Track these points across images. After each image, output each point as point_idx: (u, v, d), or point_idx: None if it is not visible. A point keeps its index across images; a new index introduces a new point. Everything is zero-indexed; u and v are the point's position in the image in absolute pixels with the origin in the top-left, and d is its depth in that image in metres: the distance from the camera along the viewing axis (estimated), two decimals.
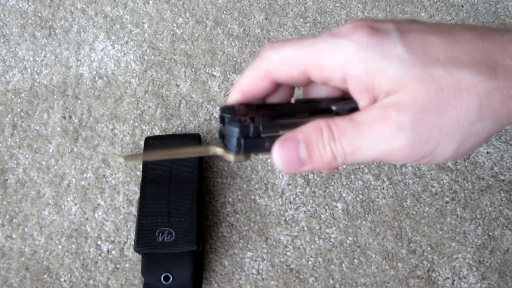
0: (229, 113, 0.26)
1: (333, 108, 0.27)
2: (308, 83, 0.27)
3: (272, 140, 0.26)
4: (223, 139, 0.27)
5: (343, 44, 0.23)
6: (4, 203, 0.53)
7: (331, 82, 0.25)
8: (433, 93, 0.22)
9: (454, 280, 0.49)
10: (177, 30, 0.65)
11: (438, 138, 0.22)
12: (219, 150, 0.27)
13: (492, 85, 0.22)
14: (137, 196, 0.53)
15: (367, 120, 0.23)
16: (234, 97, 0.28)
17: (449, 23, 0.24)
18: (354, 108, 0.26)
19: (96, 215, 0.52)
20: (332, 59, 0.24)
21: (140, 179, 0.52)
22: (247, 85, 0.27)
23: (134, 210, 0.53)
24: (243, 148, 0.26)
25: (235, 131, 0.26)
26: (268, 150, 0.26)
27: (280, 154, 0.25)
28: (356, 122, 0.23)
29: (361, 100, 0.24)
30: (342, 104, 0.27)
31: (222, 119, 0.27)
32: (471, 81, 0.22)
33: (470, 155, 0.56)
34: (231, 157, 0.27)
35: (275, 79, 0.26)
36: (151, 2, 0.67)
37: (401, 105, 0.22)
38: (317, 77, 0.25)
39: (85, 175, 0.54)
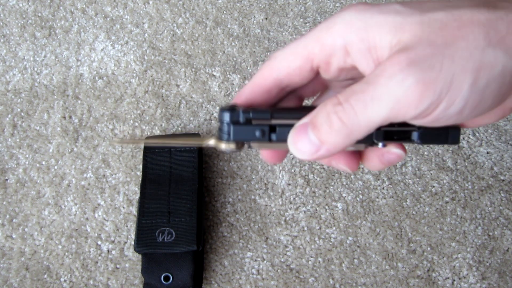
0: (228, 109, 0.26)
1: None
2: (314, 79, 0.27)
3: (263, 129, 0.25)
4: (218, 129, 0.27)
5: (340, 15, 0.24)
6: (4, 203, 0.53)
7: (334, 59, 0.25)
8: (436, 30, 0.22)
9: (454, 280, 0.49)
10: (177, 30, 0.65)
11: (452, 68, 0.21)
12: (212, 141, 0.27)
13: (494, 15, 0.22)
14: (137, 196, 0.53)
15: (377, 72, 0.22)
16: (245, 93, 0.28)
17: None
18: None
19: (96, 215, 0.52)
20: (331, 30, 0.24)
21: (140, 179, 0.52)
22: (255, 87, 0.27)
23: (134, 210, 0.53)
24: (232, 134, 0.26)
25: (225, 115, 0.25)
26: (259, 139, 0.25)
27: (293, 142, 0.24)
28: (365, 79, 0.23)
29: (366, 66, 0.24)
30: None
31: (220, 119, 0.27)
32: (471, 15, 0.22)
33: (469, 155, 0.56)
34: (222, 145, 0.26)
35: (281, 80, 0.26)
36: (151, 2, 0.67)
37: (406, 45, 0.22)
38: (320, 57, 0.25)
39: (85, 175, 0.54)
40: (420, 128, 0.26)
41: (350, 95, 0.22)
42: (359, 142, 0.25)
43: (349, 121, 0.22)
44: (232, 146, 0.26)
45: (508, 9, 0.22)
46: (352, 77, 0.27)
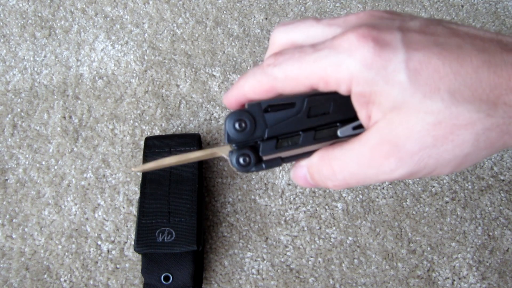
0: (240, 127, 0.28)
1: (339, 134, 0.28)
2: None
3: (277, 161, 0.28)
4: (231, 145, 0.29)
5: (347, 62, 0.23)
6: (4, 203, 0.53)
7: (337, 90, 0.26)
8: (430, 126, 0.22)
9: (454, 280, 0.49)
10: (177, 30, 0.65)
11: (434, 166, 0.24)
12: (226, 157, 0.29)
13: (491, 122, 0.22)
14: (137, 196, 0.53)
15: (367, 154, 0.25)
16: (232, 100, 0.29)
17: (462, 33, 0.24)
18: (358, 126, 0.27)
19: (96, 215, 0.52)
20: (337, 76, 0.24)
21: (140, 179, 0.52)
22: (251, 92, 0.28)
23: (134, 210, 0.53)
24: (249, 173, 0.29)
25: (240, 169, 0.28)
26: (274, 167, 0.29)
27: (294, 177, 0.29)
28: (356, 155, 0.25)
29: (360, 111, 0.25)
30: (347, 126, 0.27)
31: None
32: (469, 118, 0.22)
33: None
34: (228, 147, 0.29)
35: (280, 92, 0.27)
36: (151, 2, 0.67)
37: (397, 138, 0.23)
38: (323, 89, 0.26)
39: (85, 175, 0.54)
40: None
41: (343, 170, 0.26)
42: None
43: (341, 186, 0.27)
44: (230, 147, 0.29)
45: (508, 112, 0.22)
46: None
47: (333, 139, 0.28)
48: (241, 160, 0.28)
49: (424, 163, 0.23)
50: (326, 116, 0.28)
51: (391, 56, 0.23)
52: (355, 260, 0.50)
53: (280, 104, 0.27)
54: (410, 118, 0.23)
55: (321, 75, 0.25)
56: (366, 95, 0.24)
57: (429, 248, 0.51)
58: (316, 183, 0.28)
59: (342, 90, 0.25)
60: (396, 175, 0.24)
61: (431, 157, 0.23)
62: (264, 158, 0.28)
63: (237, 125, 0.27)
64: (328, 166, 0.27)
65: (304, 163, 0.28)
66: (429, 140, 0.23)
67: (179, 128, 0.57)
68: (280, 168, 0.55)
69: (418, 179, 0.54)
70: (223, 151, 0.29)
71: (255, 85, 0.27)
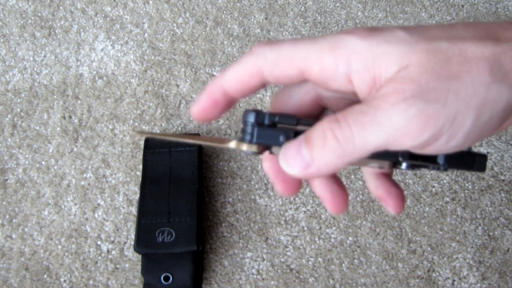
0: (252, 114, 0.25)
1: None
2: (299, 83, 0.26)
3: (288, 134, 0.24)
4: (242, 130, 0.26)
5: (346, 38, 0.23)
6: (4, 203, 0.53)
7: (332, 82, 0.24)
8: (442, 62, 0.21)
9: (454, 280, 0.49)
10: (177, 30, 0.65)
11: (456, 103, 0.21)
12: (233, 144, 0.26)
13: (498, 49, 0.22)
14: (137, 196, 0.53)
15: (378, 95, 0.22)
16: (213, 90, 0.26)
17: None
18: None
19: (96, 215, 0.52)
20: (336, 53, 0.23)
21: (140, 179, 0.52)
22: (232, 80, 0.26)
23: (134, 210, 0.53)
24: (256, 136, 0.25)
25: (250, 116, 0.24)
26: (282, 144, 0.25)
27: (284, 156, 0.24)
28: (366, 101, 0.22)
29: (368, 94, 0.24)
30: None
31: (244, 121, 0.26)
32: (476, 49, 0.22)
33: None
34: (244, 146, 0.25)
35: (265, 78, 0.25)
36: (151, 2, 0.67)
37: (411, 74, 0.21)
38: (317, 76, 0.24)
39: (85, 175, 0.54)
40: (445, 154, 0.25)
41: (349, 113, 0.22)
42: (383, 158, 0.25)
43: (344, 140, 0.22)
44: (253, 148, 0.25)
45: (511, 42, 0.22)
46: (349, 99, 0.27)
47: None
48: (253, 109, 0.24)
49: (444, 99, 0.21)
50: None
51: (385, 28, 0.23)
52: (355, 260, 0.50)
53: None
54: (421, 58, 0.22)
55: (318, 54, 0.23)
56: (369, 67, 0.22)
57: (429, 248, 0.51)
58: (312, 151, 0.23)
59: (340, 74, 0.23)
60: (410, 113, 0.21)
61: (450, 91, 0.21)
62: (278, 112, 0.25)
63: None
64: (331, 117, 0.22)
65: (302, 135, 0.24)
66: (445, 74, 0.21)
67: (179, 128, 0.57)
68: None
69: (419, 175, 0.54)
70: (231, 142, 0.26)
71: (239, 71, 0.25)
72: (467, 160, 0.25)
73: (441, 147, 0.22)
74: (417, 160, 0.25)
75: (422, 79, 0.21)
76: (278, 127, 0.25)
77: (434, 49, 0.22)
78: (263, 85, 0.26)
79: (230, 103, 0.27)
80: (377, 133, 0.21)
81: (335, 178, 0.28)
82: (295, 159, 0.23)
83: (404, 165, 0.26)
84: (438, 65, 0.21)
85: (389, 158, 0.25)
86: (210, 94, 0.27)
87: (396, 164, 0.26)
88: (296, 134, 0.25)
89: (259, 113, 0.24)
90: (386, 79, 0.22)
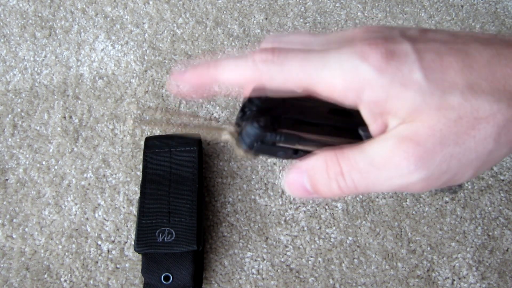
0: (254, 105, 0.25)
1: (361, 133, 0.25)
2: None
3: (287, 151, 0.25)
4: (239, 127, 0.26)
5: (360, 67, 0.22)
6: (5, 203, 0.53)
7: (337, 100, 0.24)
8: (451, 123, 0.21)
9: (454, 280, 0.50)
10: (177, 30, 0.65)
11: (456, 168, 0.22)
12: (230, 139, 0.26)
13: (511, 113, 0.22)
14: (137, 196, 0.53)
15: (382, 154, 0.22)
16: (204, 74, 0.26)
17: (462, 35, 0.24)
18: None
19: (96, 215, 0.52)
20: (347, 81, 0.22)
21: (140, 179, 0.52)
22: (229, 78, 0.25)
23: (134, 210, 0.53)
24: (254, 150, 0.25)
25: (252, 133, 0.24)
26: (280, 158, 0.25)
27: (288, 182, 0.25)
28: (369, 155, 0.23)
29: (372, 123, 0.24)
30: (366, 129, 0.25)
31: (243, 109, 0.26)
32: (490, 110, 0.21)
33: None
34: (240, 151, 0.25)
35: (265, 88, 0.25)
36: (151, 2, 0.67)
37: (418, 136, 0.22)
38: (323, 94, 0.24)
39: (85, 175, 0.54)
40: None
41: (354, 170, 0.23)
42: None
43: (348, 191, 0.23)
44: (249, 156, 0.26)
45: None
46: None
47: (352, 140, 0.25)
48: (256, 124, 0.24)
49: (446, 165, 0.22)
50: (347, 118, 0.25)
51: (403, 59, 0.22)
52: (355, 260, 0.50)
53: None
54: (431, 117, 0.21)
55: (327, 76, 0.23)
56: (381, 103, 0.22)
57: (429, 248, 0.51)
58: (316, 189, 0.24)
59: (348, 99, 0.23)
60: (413, 178, 0.22)
61: (453, 157, 0.21)
62: (281, 130, 0.25)
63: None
64: (336, 166, 0.23)
65: (303, 165, 0.24)
66: (451, 138, 0.21)
67: (179, 128, 0.57)
68: (280, 168, 0.55)
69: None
70: (229, 136, 0.26)
71: (237, 77, 0.25)
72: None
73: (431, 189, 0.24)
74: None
75: (428, 143, 0.21)
76: (277, 145, 0.25)
77: (446, 106, 0.21)
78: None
79: (214, 91, 0.27)
80: (381, 189, 0.23)
81: None
82: (299, 190, 0.25)
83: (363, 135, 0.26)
84: (447, 127, 0.21)
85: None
86: (200, 75, 0.26)
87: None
88: (295, 151, 0.25)
89: (260, 132, 0.24)
90: (393, 118, 0.23)
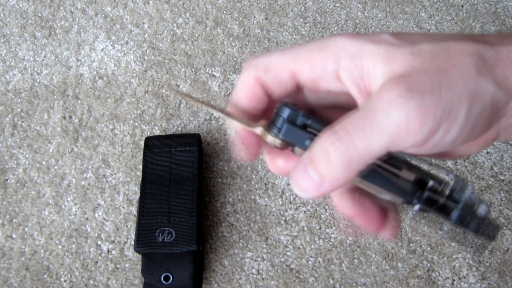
0: (289, 106, 0.25)
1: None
2: (296, 91, 0.26)
3: (314, 139, 0.24)
4: (272, 120, 0.25)
5: (334, 38, 0.24)
6: (4, 203, 0.53)
7: (323, 81, 0.24)
8: (428, 59, 0.22)
9: (454, 280, 0.50)
10: (177, 30, 0.65)
11: (449, 95, 0.21)
12: (259, 129, 0.25)
13: (479, 46, 0.22)
14: (137, 196, 0.53)
15: (374, 98, 0.22)
16: (231, 108, 0.27)
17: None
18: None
19: (96, 215, 0.52)
20: (324, 52, 0.24)
21: (140, 179, 0.52)
22: (241, 99, 0.26)
23: (134, 210, 0.53)
24: (283, 132, 0.24)
25: (284, 110, 0.24)
26: (306, 148, 0.24)
27: (294, 182, 0.23)
28: (362, 106, 0.22)
29: (358, 94, 0.24)
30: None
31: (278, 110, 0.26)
32: (459, 45, 0.22)
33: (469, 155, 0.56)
34: (268, 137, 0.25)
35: (267, 84, 0.25)
36: (151, 2, 0.67)
37: (403, 74, 0.22)
38: (308, 76, 0.24)
39: (85, 175, 0.54)
40: (462, 211, 0.24)
41: (347, 122, 0.22)
42: (397, 195, 0.24)
43: (347, 149, 0.21)
44: (277, 142, 0.25)
45: (491, 42, 0.23)
46: (340, 104, 0.26)
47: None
48: (290, 104, 0.24)
49: (438, 91, 0.21)
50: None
51: (373, 33, 0.26)
52: (355, 260, 0.50)
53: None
54: (408, 60, 0.22)
55: (307, 55, 0.24)
56: (357, 64, 0.23)
57: (429, 248, 0.51)
58: (321, 174, 0.22)
59: (329, 71, 0.24)
60: (409, 107, 0.20)
61: (442, 83, 0.21)
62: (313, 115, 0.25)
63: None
64: (332, 134, 0.22)
65: (305, 156, 0.23)
66: (434, 68, 0.21)
67: (179, 128, 0.57)
68: None
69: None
70: (258, 127, 0.25)
71: (243, 87, 0.26)
72: (479, 225, 0.25)
73: (437, 142, 0.22)
74: (430, 207, 0.24)
75: (413, 75, 0.21)
76: (307, 129, 0.24)
77: (418, 50, 0.22)
78: (269, 95, 0.26)
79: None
80: (379, 136, 0.21)
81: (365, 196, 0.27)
82: (305, 182, 0.23)
83: (416, 207, 0.24)
84: (425, 62, 0.22)
85: (404, 196, 0.24)
86: (243, 133, 0.26)
87: (409, 203, 0.25)
88: None
89: (293, 110, 0.24)
90: (375, 77, 0.23)
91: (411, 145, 0.21)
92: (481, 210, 0.24)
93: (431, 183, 0.25)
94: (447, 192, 0.25)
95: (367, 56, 0.23)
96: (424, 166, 0.25)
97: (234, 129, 0.26)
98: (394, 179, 0.24)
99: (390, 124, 0.21)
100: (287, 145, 0.25)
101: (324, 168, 0.22)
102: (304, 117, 0.24)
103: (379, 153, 0.21)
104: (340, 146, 0.21)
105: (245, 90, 0.26)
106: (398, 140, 0.21)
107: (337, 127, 0.22)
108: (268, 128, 0.25)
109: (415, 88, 0.21)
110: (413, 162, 0.25)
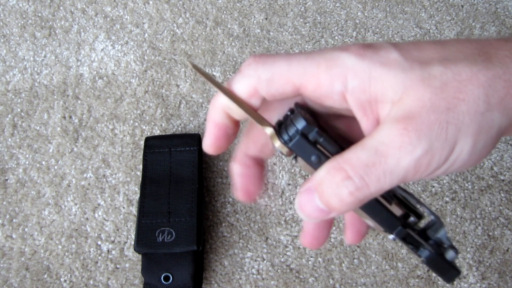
0: (303, 109, 0.25)
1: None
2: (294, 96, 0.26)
3: (320, 159, 0.24)
4: (279, 125, 0.26)
5: (342, 55, 0.23)
6: (4, 203, 0.53)
7: (327, 100, 0.24)
8: (437, 90, 0.22)
9: None
10: (177, 30, 0.65)
11: (455, 135, 0.22)
12: (269, 130, 0.25)
13: (491, 72, 0.22)
14: (137, 196, 0.53)
15: (384, 140, 0.22)
16: (215, 116, 0.26)
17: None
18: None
19: (96, 215, 0.52)
20: (332, 71, 0.23)
21: (140, 179, 0.52)
22: (232, 103, 0.25)
23: (134, 210, 0.53)
24: (293, 142, 0.25)
25: (299, 122, 0.24)
26: (310, 164, 0.25)
27: (300, 206, 0.24)
28: (372, 147, 0.22)
29: (364, 117, 0.24)
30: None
31: (292, 111, 0.26)
32: (470, 72, 0.22)
33: None
34: (277, 142, 0.25)
35: (263, 96, 0.25)
36: (151, 2, 0.67)
37: (411, 111, 0.22)
38: (313, 93, 0.24)
39: (85, 175, 0.54)
40: (432, 252, 0.26)
41: (360, 167, 0.22)
42: (381, 225, 0.26)
43: (362, 194, 0.23)
44: (284, 149, 0.25)
45: (503, 63, 0.22)
46: (342, 115, 0.27)
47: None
48: (306, 117, 0.24)
49: (445, 132, 0.21)
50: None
51: (380, 46, 0.23)
52: (355, 260, 0.50)
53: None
54: (417, 89, 0.22)
55: (313, 72, 0.23)
56: (365, 87, 0.23)
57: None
58: (328, 204, 0.23)
59: (336, 92, 0.23)
60: (418, 152, 0.21)
61: (449, 123, 0.21)
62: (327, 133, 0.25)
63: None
64: (340, 171, 0.23)
65: (310, 183, 0.24)
66: (442, 104, 0.22)
67: (179, 128, 0.57)
68: (280, 168, 0.55)
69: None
70: (269, 128, 0.25)
71: (240, 93, 0.25)
72: (443, 268, 0.26)
73: (441, 174, 0.23)
74: (404, 241, 0.26)
75: (422, 114, 0.22)
76: (317, 146, 0.25)
77: (428, 76, 0.22)
78: (261, 104, 0.26)
79: (237, 124, 0.27)
80: (390, 179, 0.22)
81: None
82: (313, 210, 0.24)
83: (391, 237, 0.26)
84: (435, 95, 0.22)
85: (387, 228, 0.26)
86: (215, 123, 0.26)
87: (386, 233, 0.27)
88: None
89: (308, 125, 0.24)
90: (382, 103, 0.23)
91: (416, 180, 0.23)
92: (450, 254, 0.26)
93: (411, 219, 0.26)
94: (420, 228, 0.27)
95: (376, 81, 0.23)
96: (411, 200, 0.27)
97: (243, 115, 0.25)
98: (383, 212, 0.25)
99: (401, 170, 0.22)
100: (292, 152, 0.25)
101: (336, 205, 0.23)
102: (317, 134, 0.24)
103: (387, 190, 0.23)
104: (355, 191, 0.23)
105: (242, 96, 0.25)
106: (405, 179, 0.22)
107: (348, 170, 0.23)
108: (279, 132, 0.25)
109: (423, 132, 0.22)
110: (402, 196, 0.26)
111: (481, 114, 0.22)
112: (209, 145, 0.27)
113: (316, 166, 0.25)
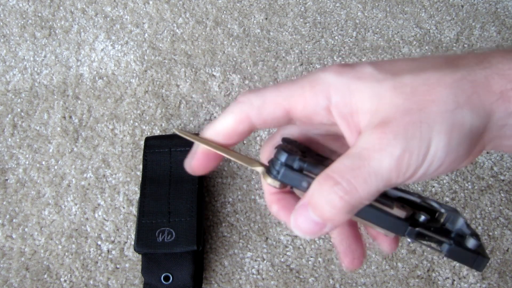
0: (288, 142, 0.28)
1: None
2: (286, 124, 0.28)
3: (309, 182, 0.26)
4: (271, 163, 0.28)
5: (322, 75, 0.26)
6: (4, 203, 0.53)
7: (316, 116, 0.26)
8: (409, 95, 0.24)
9: (454, 280, 0.50)
10: (177, 30, 0.65)
11: (429, 132, 0.23)
12: (259, 169, 0.28)
13: (457, 75, 0.24)
14: (137, 196, 0.53)
15: (365, 146, 0.24)
16: (199, 158, 0.28)
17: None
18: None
19: (96, 215, 0.52)
20: (315, 90, 0.25)
21: (140, 179, 0.52)
22: (223, 128, 0.27)
23: (134, 210, 0.53)
24: (281, 175, 0.26)
25: (282, 155, 0.26)
26: (303, 189, 0.26)
27: (296, 225, 0.26)
28: (355, 153, 0.24)
29: (346, 129, 0.26)
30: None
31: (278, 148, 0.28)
32: (438, 76, 0.24)
33: None
34: (268, 179, 0.27)
35: (253, 123, 0.27)
36: (151, 2, 0.67)
37: (388, 117, 0.24)
38: (301, 112, 0.26)
39: (85, 175, 0.54)
40: (452, 244, 0.26)
41: (346, 172, 0.24)
42: (389, 230, 0.27)
43: (351, 198, 0.24)
44: (276, 184, 0.27)
45: (468, 67, 0.24)
46: (330, 132, 0.29)
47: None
48: (286, 149, 0.26)
49: (419, 131, 0.23)
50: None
51: (356, 64, 0.26)
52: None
53: None
54: (390, 96, 0.24)
55: (300, 93, 0.26)
56: (346, 101, 0.25)
57: (429, 248, 0.51)
58: (322, 215, 0.25)
59: (321, 108, 0.25)
60: (397, 152, 0.23)
61: (422, 122, 0.23)
62: (309, 158, 0.27)
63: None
64: (328, 179, 0.24)
65: (303, 199, 0.26)
66: (414, 107, 0.24)
67: (179, 128, 0.57)
68: None
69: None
70: (259, 167, 0.28)
71: (227, 120, 0.27)
72: (468, 257, 0.26)
73: (423, 174, 0.24)
74: (423, 240, 0.27)
75: (397, 118, 0.24)
76: (304, 172, 0.26)
77: (400, 84, 0.24)
78: (251, 131, 0.28)
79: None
80: (375, 180, 0.24)
81: (353, 231, 0.31)
82: (308, 225, 0.25)
83: (408, 240, 0.27)
84: (407, 100, 0.24)
85: (395, 232, 0.27)
86: (202, 149, 0.29)
87: (402, 235, 0.27)
88: None
89: (290, 155, 0.26)
90: (362, 114, 0.25)
91: (401, 182, 0.24)
92: (471, 242, 0.26)
93: (422, 218, 0.27)
94: (438, 224, 0.27)
95: (355, 94, 0.25)
96: (416, 200, 0.27)
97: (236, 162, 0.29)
98: (386, 217, 0.26)
99: (384, 170, 0.24)
100: (286, 185, 0.27)
101: (329, 215, 0.25)
102: (300, 161, 0.26)
103: (376, 194, 0.24)
104: (345, 195, 0.24)
105: (231, 123, 0.27)
106: (391, 181, 0.24)
107: (336, 177, 0.24)
108: (268, 170, 0.27)
109: (399, 133, 0.23)
110: (405, 197, 0.27)
111: (451, 112, 0.23)
112: (192, 167, 0.29)
113: (307, 190, 0.26)
